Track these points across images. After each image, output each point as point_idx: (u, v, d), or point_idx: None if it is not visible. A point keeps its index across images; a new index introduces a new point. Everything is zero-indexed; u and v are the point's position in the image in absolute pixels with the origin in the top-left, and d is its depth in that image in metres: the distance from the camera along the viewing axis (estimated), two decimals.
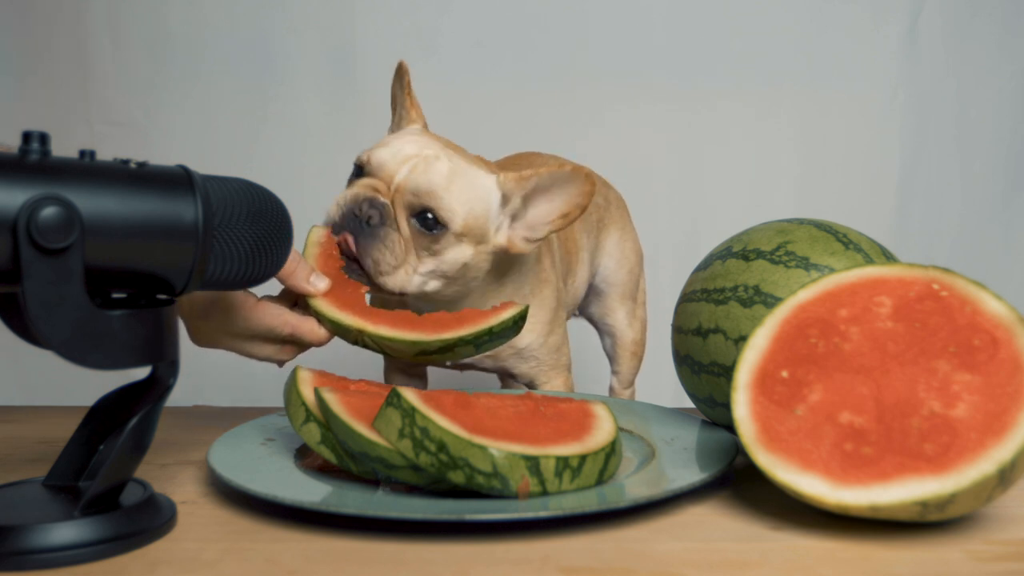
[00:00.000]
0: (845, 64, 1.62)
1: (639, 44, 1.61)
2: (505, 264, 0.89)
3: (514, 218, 0.85)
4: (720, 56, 1.61)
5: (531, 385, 0.97)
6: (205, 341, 0.79)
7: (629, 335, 1.17)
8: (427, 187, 0.81)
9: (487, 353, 0.88)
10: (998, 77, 1.65)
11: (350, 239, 0.81)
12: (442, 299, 0.86)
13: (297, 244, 0.71)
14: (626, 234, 1.17)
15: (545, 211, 0.85)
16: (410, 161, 0.82)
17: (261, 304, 0.77)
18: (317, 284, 0.78)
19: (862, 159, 1.64)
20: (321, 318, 0.78)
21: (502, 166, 0.98)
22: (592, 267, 1.11)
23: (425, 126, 0.91)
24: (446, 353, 0.78)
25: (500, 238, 0.85)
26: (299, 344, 0.80)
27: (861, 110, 1.64)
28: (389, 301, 0.87)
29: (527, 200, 0.85)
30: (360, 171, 0.85)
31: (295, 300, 0.81)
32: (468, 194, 0.83)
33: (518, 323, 0.79)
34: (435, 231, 0.81)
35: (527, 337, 0.92)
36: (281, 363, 0.81)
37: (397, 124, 0.93)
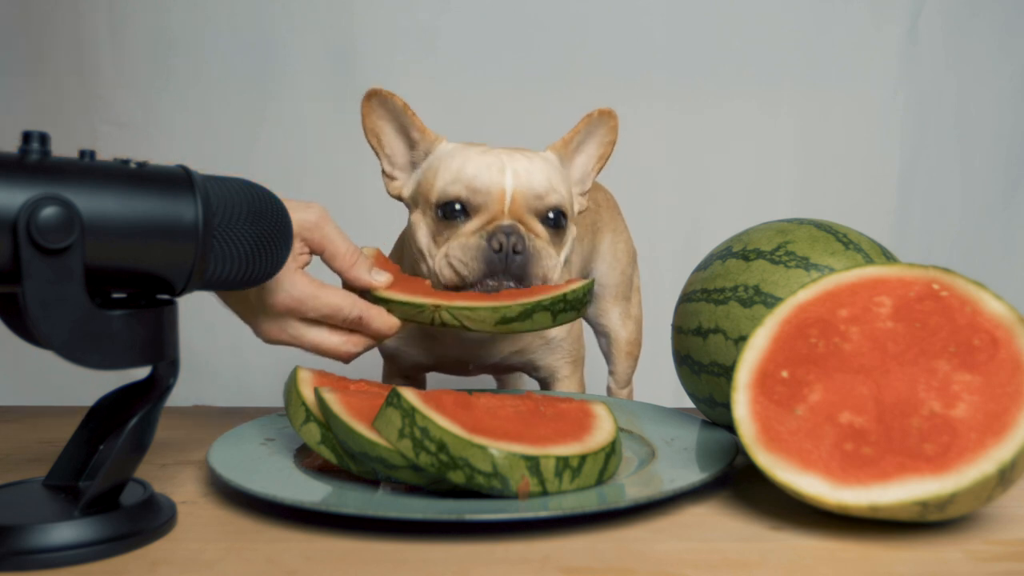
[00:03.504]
0: (845, 64, 1.62)
1: (639, 44, 1.61)
2: None
3: None
4: (720, 56, 1.61)
5: (550, 379, 0.95)
6: (275, 332, 0.75)
7: (623, 335, 1.17)
8: (545, 186, 0.81)
9: (514, 349, 0.90)
10: (998, 77, 1.65)
11: (503, 280, 0.78)
12: None
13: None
14: (618, 235, 1.16)
15: (584, 162, 0.89)
16: (506, 168, 0.81)
17: (330, 286, 0.76)
18: (378, 278, 0.77)
19: (862, 159, 1.64)
20: (391, 304, 0.77)
21: None
22: (585, 270, 1.11)
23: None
24: (524, 321, 0.76)
25: (576, 205, 0.88)
26: (366, 334, 0.77)
27: (861, 110, 1.64)
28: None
29: (569, 160, 0.87)
30: (454, 207, 0.81)
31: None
32: (560, 178, 0.84)
33: (588, 294, 0.79)
34: (562, 223, 0.83)
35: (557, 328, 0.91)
36: (348, 358, 0.78)
37: (416, 150, 0.87)
